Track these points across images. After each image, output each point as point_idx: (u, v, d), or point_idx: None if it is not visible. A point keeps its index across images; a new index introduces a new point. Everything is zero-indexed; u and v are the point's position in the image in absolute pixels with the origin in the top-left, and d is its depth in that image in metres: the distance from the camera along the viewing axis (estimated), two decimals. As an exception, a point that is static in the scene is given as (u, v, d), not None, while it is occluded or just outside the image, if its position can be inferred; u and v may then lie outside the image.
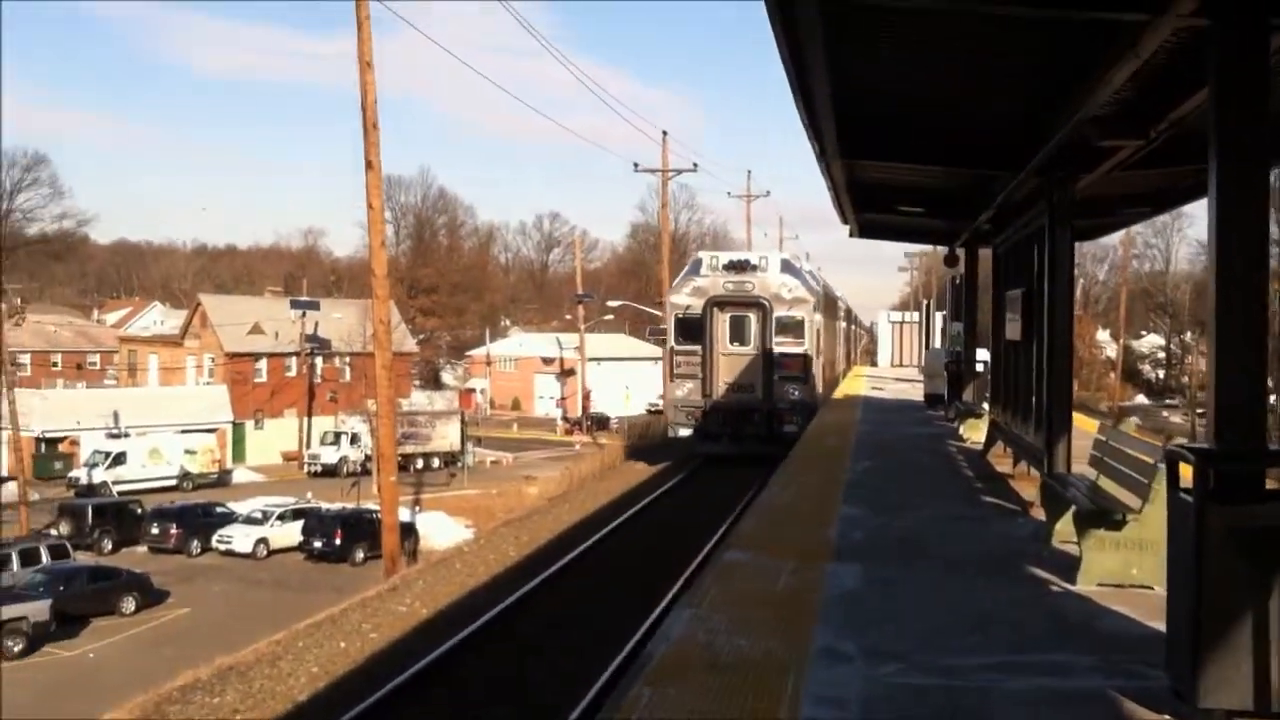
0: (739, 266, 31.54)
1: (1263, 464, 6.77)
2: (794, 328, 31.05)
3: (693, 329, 31.10)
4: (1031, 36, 8.49)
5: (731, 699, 6.47)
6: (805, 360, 30.99)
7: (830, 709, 6.35)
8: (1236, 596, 5.90)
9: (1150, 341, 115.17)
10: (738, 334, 31.09)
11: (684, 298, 31.50)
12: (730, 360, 30.92)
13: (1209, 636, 5.92)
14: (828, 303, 36.69)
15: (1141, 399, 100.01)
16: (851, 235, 23.08)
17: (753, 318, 31.01)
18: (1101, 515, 9.31)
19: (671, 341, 31.66)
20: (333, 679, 15.17)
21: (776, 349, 30.77)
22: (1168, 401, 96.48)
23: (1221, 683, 5.90)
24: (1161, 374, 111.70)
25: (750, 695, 6.53)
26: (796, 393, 30.72)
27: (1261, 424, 6.63)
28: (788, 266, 32.81)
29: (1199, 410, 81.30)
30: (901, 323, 61.30)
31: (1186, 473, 6.29)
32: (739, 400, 30.82)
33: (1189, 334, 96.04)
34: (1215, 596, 5.92)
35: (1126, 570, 9.26)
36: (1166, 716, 6.21)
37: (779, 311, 31.00)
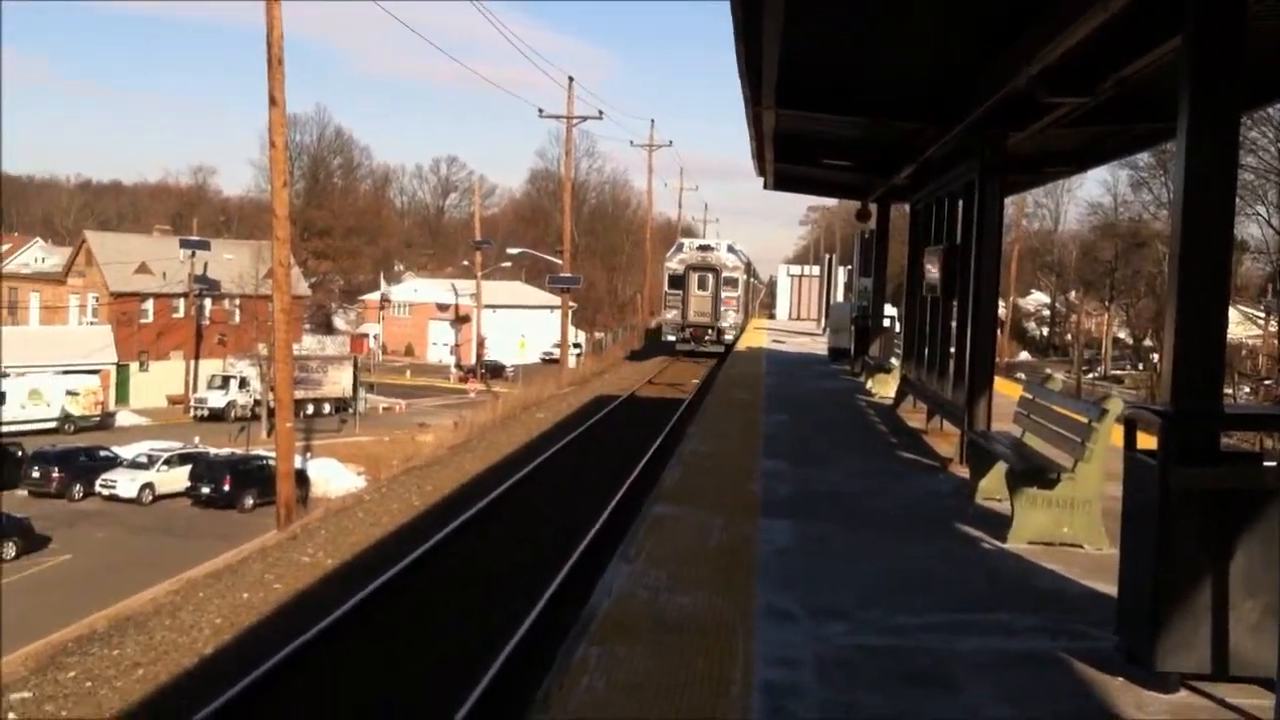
0: (705, 248, 54.89)
1: (1221, 425, 6.75)
2: (732, 283, 52.75)
3: (677, 281, 52.69)
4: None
5: (683, 659, 6.28)
6: (738, 301, 53.24)
7: (784, 670, 6.19)
8: (1197, 560, 5.84)
9: (1036, 299, 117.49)
10: (702, 285, 52.42)
11: (673, 264, 53.27)
12: (697, 299, 52.44)
13: (1168, 600, 5.86)
14: (749, 269, 61.49)
15: (1025, 355, 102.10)
16: (766, 187, 22.96)
17: (711, 276, 52.41)
18: (1034, 473, 9.28)
19: (665, 288, 53.86)
20: (238, 631, 14.73)
21: (722, 293, 52.28)
22: (1051, 358, 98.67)
23: (1180, 646, 5.85)
24: (1046, 331, 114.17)
25: (701, 656, 6.34)
26: (731, 318, 52.37)
27: (1219, 383, 6.59)
28: (730, 249, 55.01)
29: (1084, 368, 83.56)
30: (801, 276, 61.63)
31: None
32: (701, 321, 52.43)
33: (1073, 293, 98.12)
34: (1176, 560, 5.86)
35: (1057, 529, 9.25)
36: (1120, 679, 6.15)
37: (724, 274, 52.49)
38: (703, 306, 52.04)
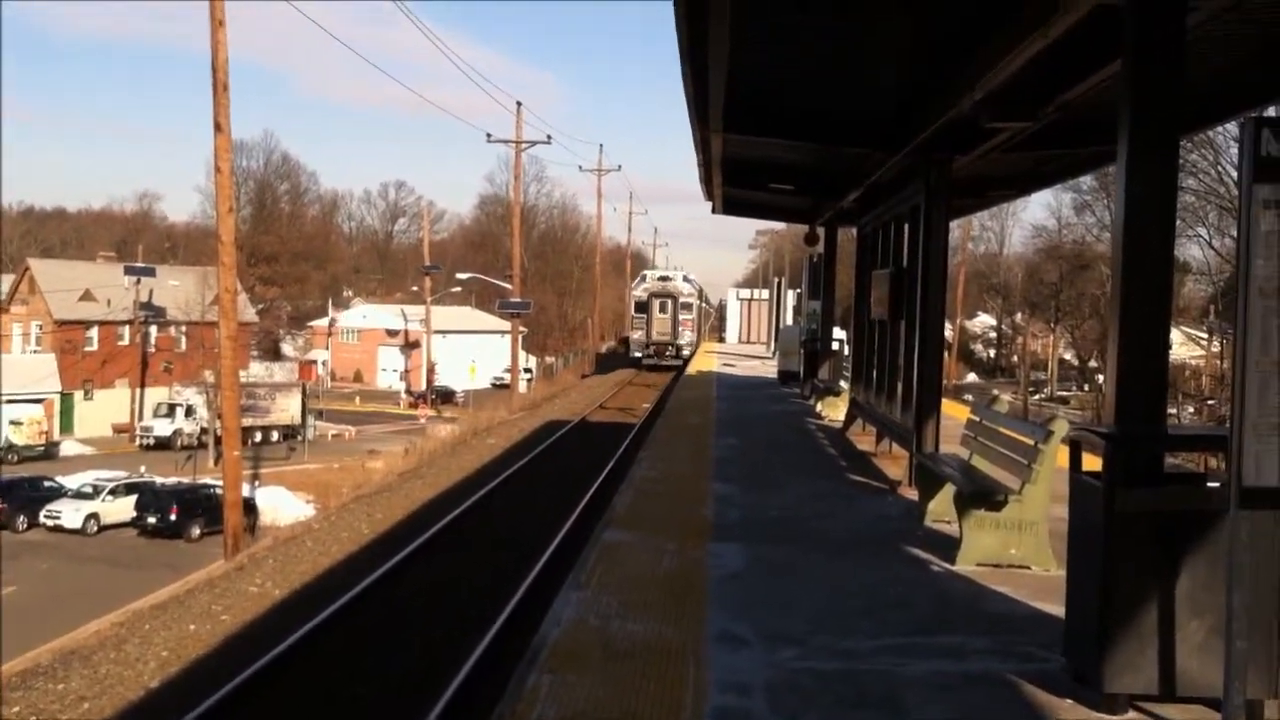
0: (664, 278, 64.74)
1: (1165, 446, 6.81)
2: (688, 307, 62.87)
3: (641, 306, 62.63)
4: (929, 9, 8.42)
5: (635, 687, 6.25)
6: (693, 323, 64.15)
7: (736, 696, 6.17)
8: (1143, 581, 5.87)
9: (982, 321, 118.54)
10: (663, 309, 62.07)
11: (638, 292, 63.90)
12: (659, 321, 62.19)
13: (1115, 621, 5.89)
14: (701, 294, 73.35)
15: (973, 377, 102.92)
16: (714, 211, 23.06)
17: (670, 302, 62.00)
18: (982, 495, 9.32)
19: (631, 311, 65.01)
20: (185, 663, 14.51)
21: (680, 316, 62.16)
22: (999, 380, 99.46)
23: (1127, 667, 5.88)
24: (993, 353, 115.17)
25: (653, 683, 6.32)
26: (688, 336, 62.56)
27: (1163, 406, 6.65)
28: (686, 278, 65.57)
29: (1030, 389, 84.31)
30: (750, 300, 61.99)
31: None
32: (662, 339, 62.06)
33: (1019, 315, 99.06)
34: (1122, 581, 5.89)
35: (1005, 550, 9.30)
36: (1069, 701, 6.18)
37: (681, 299, 62.24)
38: (663, 327, 62.35)
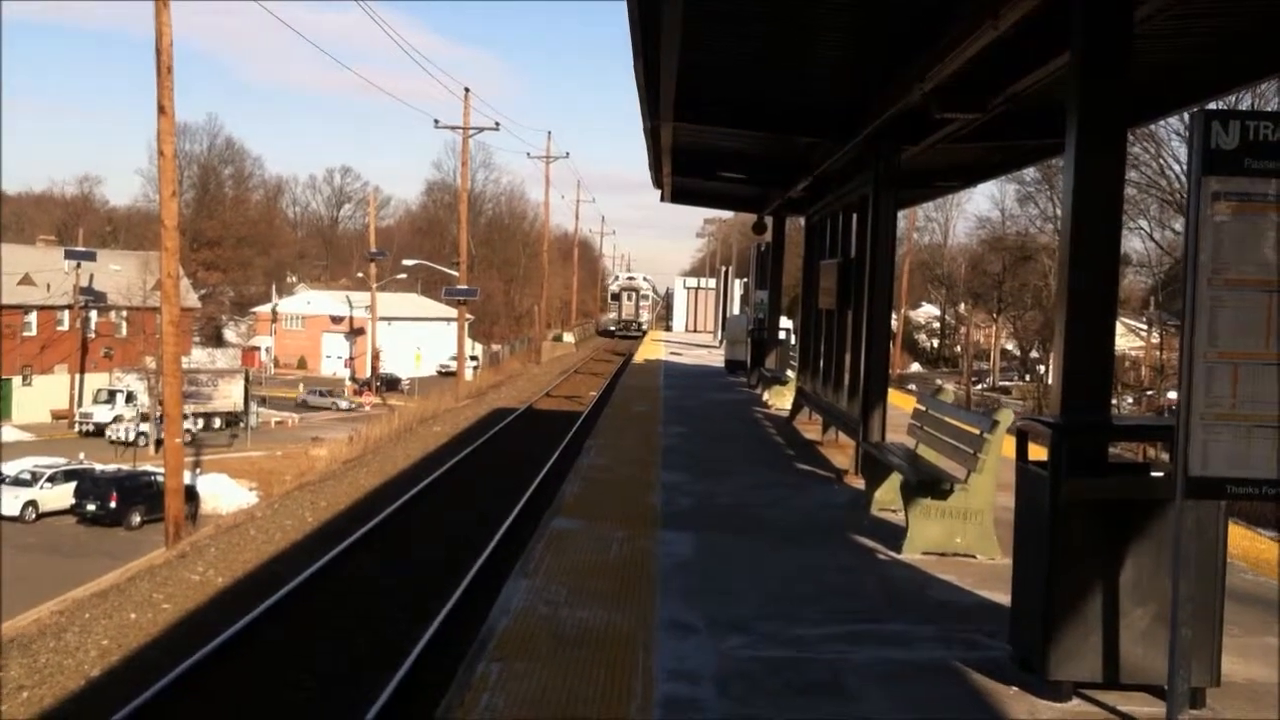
0: (630, 278, 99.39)
1: (1110, 436, 6.88)
2: (646, 298, 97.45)
3: (615, 297, 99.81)
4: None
5: (584, 674, 6.24)
6: (649, 308, 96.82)
7: (685, 685, 6.17)
8: (1087, 569, 5.94)
9: (926, 312, 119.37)
10: (629, 298, 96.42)
11: (614, 286, 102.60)
12: (626, 306, 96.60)
13: (1059, 609, 5.95)
14: (654, 289, 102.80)
15: (917, 367, 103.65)
16: (663, 200, 23.06)
17: (634, 294, 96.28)
18: (928, 484, 9.38)
19: (608, 299, 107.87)
20: (126, 653, 14.33)
21: (640, 303, 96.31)
22: (942, 370, 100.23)
23: (1071, 654, 5.94)
24: (936, 343, 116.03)
25: (602, 670, 6.31)
26: (645, 316, 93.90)
27: (1108, 396, 6.72)
28: (645, 278, 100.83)
29: (972, 378, 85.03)
30: (698, 289, 61.82)
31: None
32: (629, 319, 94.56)
33: (962, 305, 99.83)
34: (1067, 569, 5.95)
35: (950, 539, 9.37)
36: (1014, 688, 6.23)
37: (641, 293, 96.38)
38: (629, 311, 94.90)
